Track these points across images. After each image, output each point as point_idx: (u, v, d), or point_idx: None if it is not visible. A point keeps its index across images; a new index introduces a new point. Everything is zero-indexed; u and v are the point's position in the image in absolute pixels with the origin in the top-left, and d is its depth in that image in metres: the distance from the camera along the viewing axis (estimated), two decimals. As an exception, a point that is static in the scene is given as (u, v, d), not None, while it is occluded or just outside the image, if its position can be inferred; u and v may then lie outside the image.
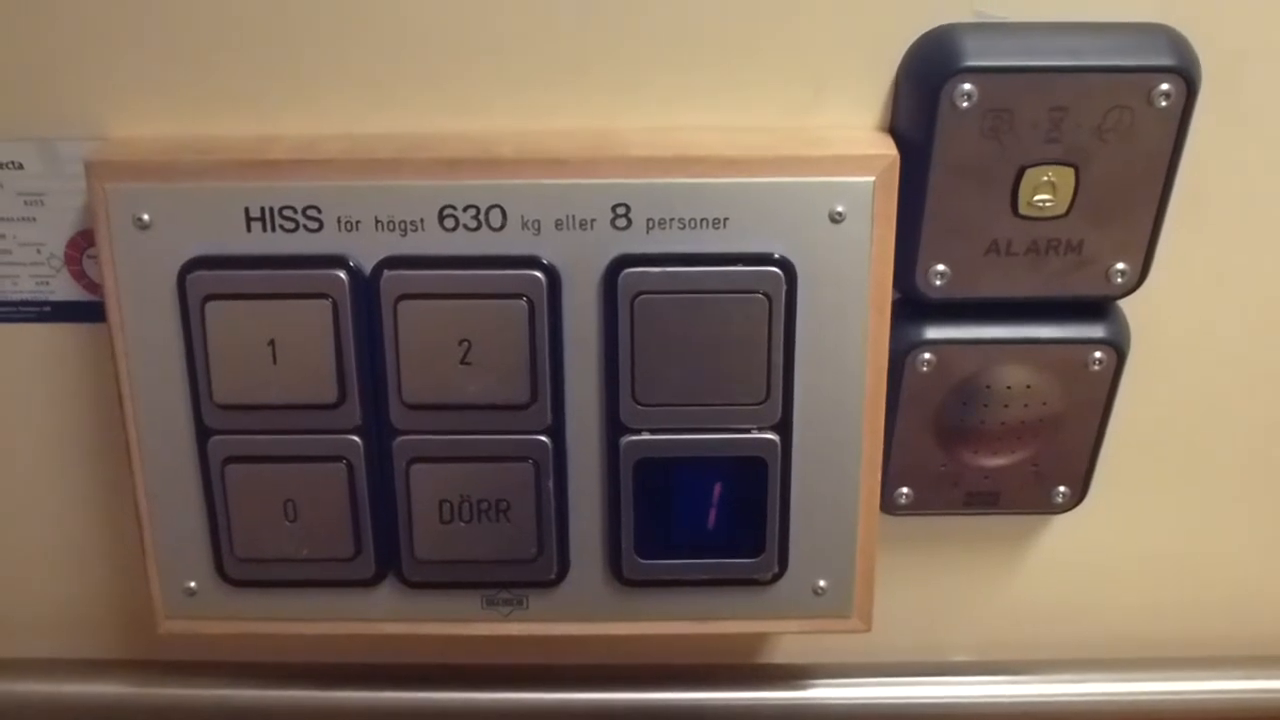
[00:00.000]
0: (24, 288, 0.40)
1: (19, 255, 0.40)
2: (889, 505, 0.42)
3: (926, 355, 0.39)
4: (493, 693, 0.45)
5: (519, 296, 0.36)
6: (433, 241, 0.35)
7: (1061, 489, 0.43)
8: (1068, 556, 0.46)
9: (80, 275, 0.40)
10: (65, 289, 0.40)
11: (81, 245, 0.39)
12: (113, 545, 0.45)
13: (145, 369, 0.37)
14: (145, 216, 0.35)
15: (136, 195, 0.35)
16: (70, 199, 0.38)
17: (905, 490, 0.42)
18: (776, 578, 0.39)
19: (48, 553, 0.46)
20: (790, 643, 0.48)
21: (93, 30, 0.36)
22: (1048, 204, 0.37)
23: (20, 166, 0.38)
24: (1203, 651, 0.47)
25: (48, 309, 0.41)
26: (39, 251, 0.40)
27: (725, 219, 0.35)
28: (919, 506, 0.43)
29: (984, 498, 0.43)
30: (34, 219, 0.39)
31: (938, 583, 0.46)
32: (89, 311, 0.40)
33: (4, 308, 0.41)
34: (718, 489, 0.38)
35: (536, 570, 0.39)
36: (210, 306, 0.36)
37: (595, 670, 0.45)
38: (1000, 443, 0.41)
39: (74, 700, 0.46)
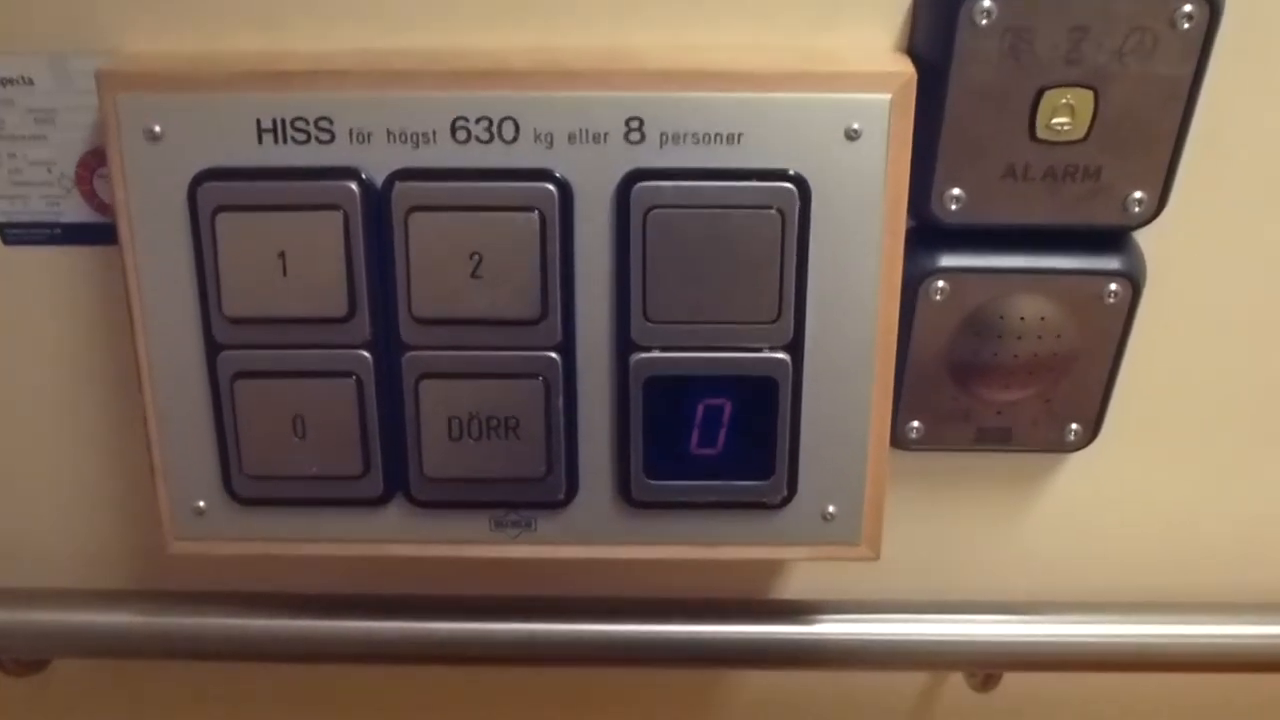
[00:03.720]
0: (34, 209, 0.40)
1: (29, 174, 0.40)
2: (900, 440, 0.42)
3: (940, 283, 0.39)
4: (499, 623, 0.45)
5: (531, 210, 0.35)
6: (445, 154, 0.35)
7: (1074, 426, 0.42)
8: (1078, 497, 0.46)
9: (91, 196, 0.40)
10: (76, 210, 0.40)
11: (92, 165, 0.39)
12: (123, 472, 0.45)
13: (155, 283, 0.37)
14: (156, 128, 0.35)
15: (148, 106, 0.35)
16: (81, 116, 0.38)
17: (916, 424, 0.42)
18: (785, 502, 0.39)
19: (57, 480, 0.46)
20: (798, 577, 0.47)
21: (105, -61, 0.36)
22: (1066, 127, 0.36)
23: (31, 82, 0.38)
24: (1212, 596, 0.47)
25: (58, 231, 0.41)
26: (49, 171, 0.40)
27: (739, 134, 0.35)
28: (930, 441, 0.42)
29: (996, 434, 0.42)
30: (45, 137, 0.39)
31: (948, 520, 0.46)
32: (100, 233, 0.40)
33: (14, 229, 0.41)
34: (728, 409, 0.38)
35: (545, 490, 0.39)
36: (221, 218, 0.36)
37: (602, 602, 0.45)
38: (1013, 377, 0.41)
39: (84, 629, 0.46)
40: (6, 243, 0.41)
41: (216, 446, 0.39)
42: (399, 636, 0.45)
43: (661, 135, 0.35)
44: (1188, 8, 0.34)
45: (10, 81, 0.38)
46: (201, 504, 0.40)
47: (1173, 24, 0.35)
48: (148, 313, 0.38)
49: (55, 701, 0.53)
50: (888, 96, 0.35)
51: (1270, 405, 0.44)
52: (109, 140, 0.36)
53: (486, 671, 0.50)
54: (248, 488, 0.39)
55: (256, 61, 0.35)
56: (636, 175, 0.35)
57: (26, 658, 0.48)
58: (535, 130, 0.35)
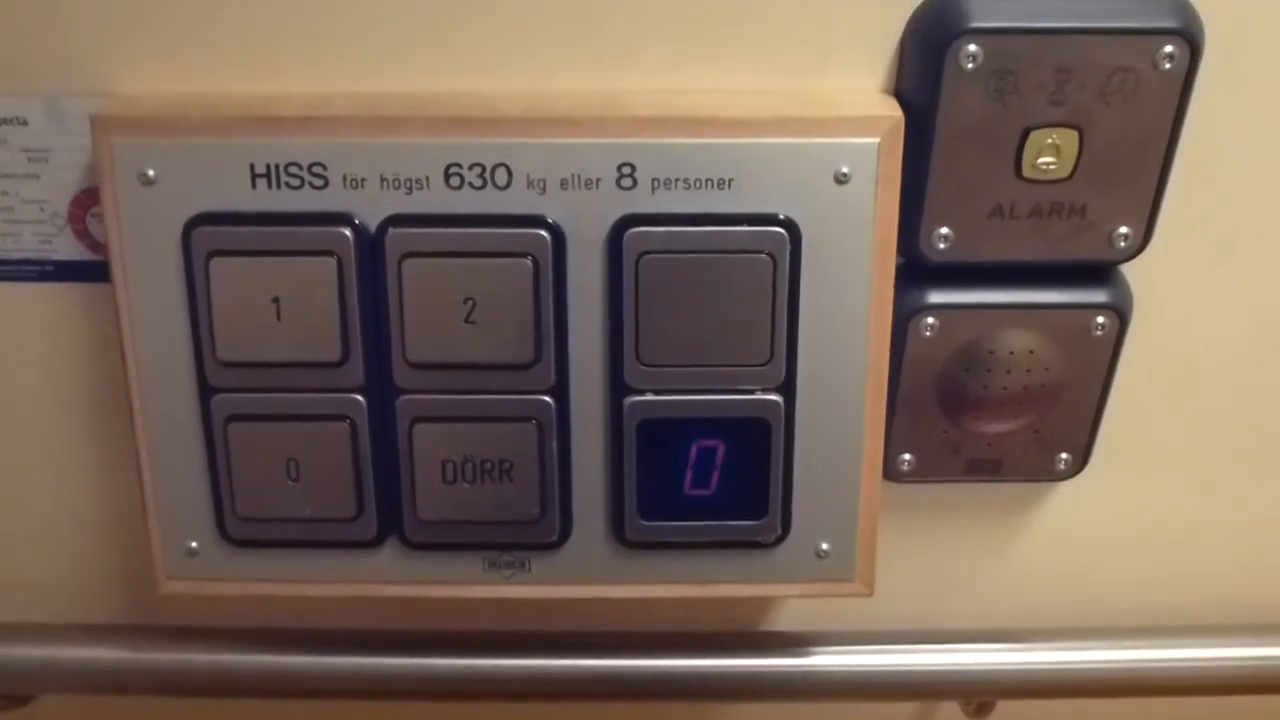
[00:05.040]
0: (26, 246, 0.40)
1: (22, 213, 0.40)
2: (891, 472, 0.42)
3: (930, 320, 0.39)
4: (494, 659, 0.45)
5: (524, 255, 0.36)
6: (438, 200, 0.35)
7: (1063, 456, 0.43)
8: (1069, 525, 0.46)
9: (84, 234, 0.40)
10: (68, 248, 0.40)
11: (85, 204, 0.39)
12: (114, 508, 0.45)
13: (148, 325, 0.37)
14: (150, 172, 0.35)
15: (142, 150, 0.35)
16: (75, 156, 0.38)
17: (907, 457, 0.42)
18: (779, 540, 0.39)
19: (48, 516, 0.46)
20: (792, 610, 0.48)
21: (98, -15, 0.36)
22: (1051, 167, 0.37)
23: (25, 122, 0.38)
24: (1203, 620, 0.47)
25: (50, 268, 0.41)
26: (42, 209, 0.40)
27: (730, 179, 0.35)
28: (921, 474, 0.43)
29: (986, 465, 0.43)
30: (38, 176, 0.39)
31: (939, 551, 0.46)
32: (92, 271, 0.40)
33: (6, 266, 0.41)
34: (721, 450, 0.38)
35: (539, 532, 0.39)
36: (215, 263, 0.36)
37: (597, 637, 0.45)
38: (1002, 409, 0.41)
39: (73, 664, 0.46)
40: (-2, 279, 0.41)
41: (209, 488, 0.39)
42: (391, 672, 0.45)
43: (653, 181, 0.35)
44: (1169, 48, 0.35)
45: (4, 121, 0.38)
46: (194, 544, 0.40)
47: (1154, 64, 0.35)
48: (141, 355, 0.38)
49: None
50: (876, 140, 0.35)
51: (1256, 432, 0.44)
52: (103, 183, 0.36)
53: (479, 707, 0.50)
54: (241, 529, 0.39)
55: (251, 106, 0.36)
56: (628, 221, 0.35)
57: (11, 692, 0.48)
58: (528, 176, 0.35)
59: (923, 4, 0.36)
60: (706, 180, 0.35)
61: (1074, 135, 0.36)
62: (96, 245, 0.40)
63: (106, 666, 0.46)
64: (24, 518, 0.46)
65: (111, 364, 0.40)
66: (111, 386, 0.42)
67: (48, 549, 0.47)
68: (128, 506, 0.44)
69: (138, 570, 0.45)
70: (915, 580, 0.47)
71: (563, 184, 0.35)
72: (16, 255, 0.40)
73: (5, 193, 0.39)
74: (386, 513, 0.39)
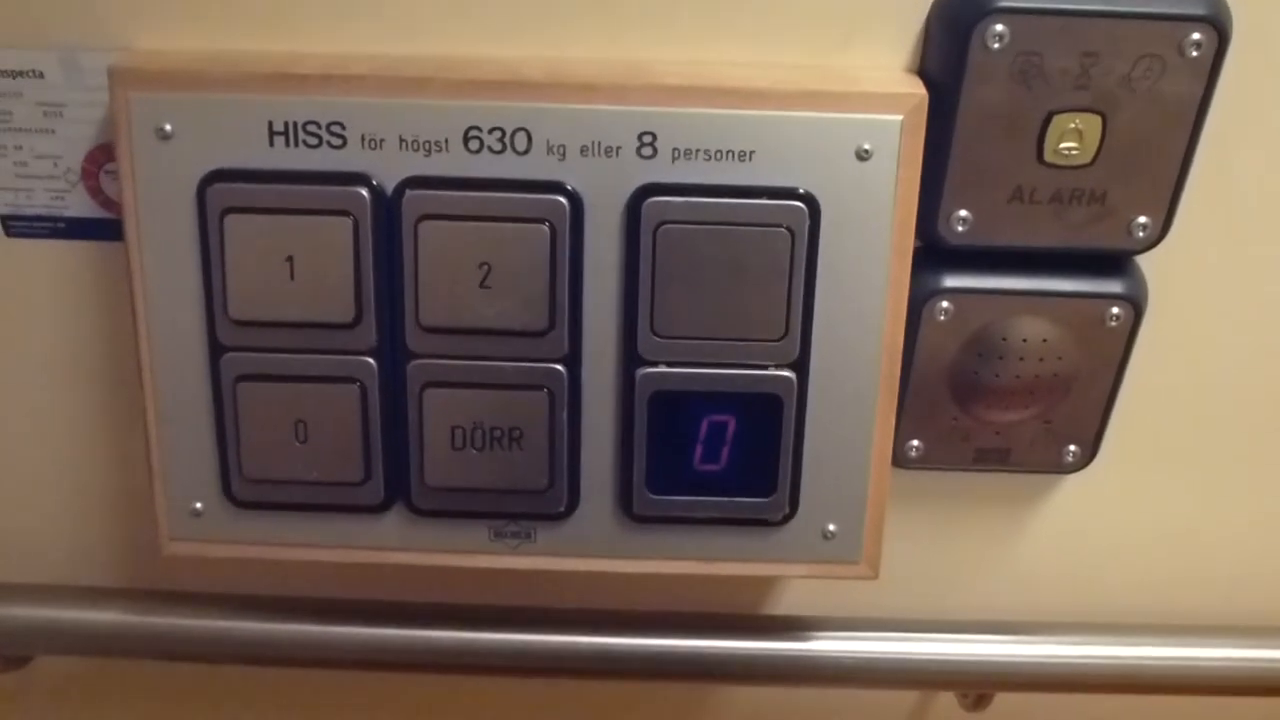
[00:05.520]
0: (39, 202, 0.40)
1: (35, 168, 0.39)
2: (899, 458, 0.42)
3: (944, 304, 0.39)
4: (494, 633, 0.45)
5: (541, 221, 0.35)
6: (456, 163, 0.35)
7: (1072, 448, 0.42)
8: (1075, 518, 0.46)
9: (97, 191, 0.40)
10: (81, 205, 0.40)
11: (99, 160, 0.39)
12: (120, 469, 0.45)
13: (161, 282, 0.37)
14: (167, 127, 0.35)
15: (159, 105, 0.35)
16: (90, 111, 0.38)
17: (916, 443, 0.42)
18: (787, 519, 0.39)
19: (54, 476, 0.45)
20: (795, 593, 0.47)
21: (120, -64, 0.35)
22: (1073, 152, 0.36)
23: (40, 75, 0.38)
24: (1208, 619, 0.47)
25: (62, 225, 0.40)
26: (55, 165, 0.39)
27: (751, 152, 0.35)
28: (929, 461, 0.42)
29: (994, 454, 0.43)
30: (52, 131, 0.39)
31: (945, 539, 0.46)
32: (104, 229, 0.40)
33: (18, 222, 0.40)
34: (732, 425, 0.38)
35: (546, 502, 0.39)
36: (229, 220, 0.36)
37: (597, 615, 0.45)
38: (1014, 397, 0.41)
39: (73, 627, 0.46)
40: (9, 235, 0.41)
41: (216, 448, 0.39)
42: (389, 644, 0.45)
43: (674, 151, 0.35)
44: (1196, 35, 0.35)
45: (20, 74, 0.38)
46: (199, 505, 0.40)
47: (1181, 51, 0.35)
48: (151, 313, 0.37)
49: (37, 699, 0.52)
50: (899, 117, 0.35)
51: (1268, 429, 0.44)
52: (119, 138, 0.36)
53: (480, 681, 0.50)
54: (247, 491, 0.39)
55: (270, 63, 0.35)
56: (648, 190, 0.35)
57: (10, 653, 0.48)
58: (548, 142, 0.35)
59: (950, -17, 0.36)
60: (727, 152, 0.35)
61: (1097, 121, 0.36)
62: (109, 203, 0.40)
63: (106, 630, 0.46)
64: (29, 477, 0.46)
65: (121, 324, 0.40)
66: (120, 347, 0.42)
67: (53, 509, 0.46)
68: (134, 467, 0.44)
69: (141, 533, 0.45)
70: (919, 568, 0.47)
71: (583, 151, 0.35)
72: (29, 211, 0.40)
73: (19, 147, 0.39)
74: (394, 478, 0.39)
